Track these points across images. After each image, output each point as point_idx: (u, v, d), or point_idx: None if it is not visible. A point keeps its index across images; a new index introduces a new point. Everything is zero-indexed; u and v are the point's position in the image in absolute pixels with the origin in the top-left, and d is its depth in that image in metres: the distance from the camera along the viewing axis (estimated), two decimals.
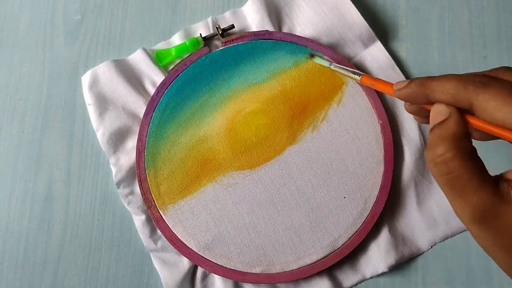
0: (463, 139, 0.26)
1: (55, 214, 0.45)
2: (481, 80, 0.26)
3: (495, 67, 0.30)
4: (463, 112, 0.27)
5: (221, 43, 0.46)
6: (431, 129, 0.27)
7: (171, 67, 0.46)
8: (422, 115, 0.34)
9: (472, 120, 0.27)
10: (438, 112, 0.27)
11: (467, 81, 0.26)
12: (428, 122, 0.33)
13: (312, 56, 0.45)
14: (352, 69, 0.42)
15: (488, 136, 0.32)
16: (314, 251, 0.41)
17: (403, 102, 0.32)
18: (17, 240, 0.44)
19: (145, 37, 0.49)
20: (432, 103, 0.29)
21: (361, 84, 0.40)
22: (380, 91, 0.38)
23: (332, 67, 0.44)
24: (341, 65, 0.44)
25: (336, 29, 0.47)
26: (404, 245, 0.43)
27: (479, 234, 0.26)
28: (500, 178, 0.26)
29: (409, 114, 0.45)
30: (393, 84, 0.33)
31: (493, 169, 0.27)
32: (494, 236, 0.25)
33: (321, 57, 0.45)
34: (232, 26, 0.46)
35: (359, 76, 0.40)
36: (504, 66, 0.29)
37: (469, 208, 0.25)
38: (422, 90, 0.29)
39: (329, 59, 0.45)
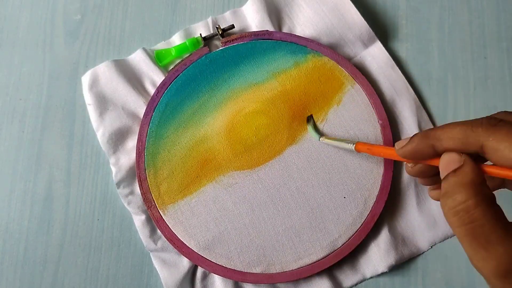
0: (483, 185, 0.25)
1: (55, 214, 0.45)
2: (489, 122, 0.26)
3: (494, 113, 0.29)
4: (476, 159, 0.26)
5: (221, 43, 0.46)
6: (445, 178, 0.26)
7: (171, 67, 0.46)
8: (428, 175, 0.32)
9: (487, 168, 0.26)
10: (450, 161, 0.27)
11: (475, 124, 0.26)
12: (434, 183, 0.32)
13: (308, 121, 0.44)
14: (343, 139, 0.41)
15: (495, 185, 0.32)
16: (314, 251, 0.41)
17: (406, 156, 0.30)
18: (17, 240, 0.44)
19: (145, 37, 0.49)
20: (439, 155, 0.28)
21: (356, 149, 0.39)
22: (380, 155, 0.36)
23: (321, 140, 0.42)
24: (331, 134, 0.43)
25: (336, 29, 0.47)
26: (404, 245, 0.43)
27: None
28: None
29: (409, 113, 0.45)
30: (391, 147, 0.32)
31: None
32: None
33: (314, 126, 0.44)
34: (232, 26, 0.46)
35: (353, 144, 0.39)
36: (504, 111, 0.29)
37: (493, 261, 0.23)
38: (427, 142, 0.28)
39: (321, 132, 0.44)
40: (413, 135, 0.29)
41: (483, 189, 0.25)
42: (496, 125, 0.25)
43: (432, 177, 0.32)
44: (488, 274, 0.24)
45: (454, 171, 0.26)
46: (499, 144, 0.25)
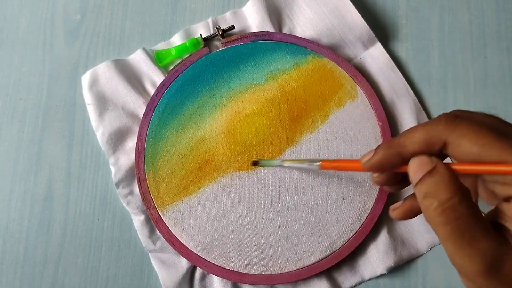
0: (461, 183, 0.25)
1: (55, 214, 0.45)
2: (448, 118, 0.26)
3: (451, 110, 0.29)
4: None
5: (221, 43, 0.46)
6: (420, 181, 0.26)
7: (171, 68, 0.46)
8: (394, 183, 0.32)
9: (455, 166, 0.26)
10: (420, 164, 0.26)
11: (435, 123, 0.26)
12: (401, 188, 0.32)
13: (255, 163, 0.43)
14: (306, 159, 0.40)
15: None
16: (313, 253, 0.41)
17: (374, 169, 0.29)
18: (17, 240, 0.44)
19: (145, 37, 0.49)
20: (406, 162, 0.27)
21: (321, 168, 0.37)
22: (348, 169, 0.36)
23: (284, 164, 0.42)
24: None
25: (337, 30, 0.47)
26: (403, 247, 0.43)
27: (487, 286, 0.24)
28: (493, 220, 0.26)
29: (409, 115, 0.45)
30: (356, 159, 0.31)
31: None
32: (503, 285, 0.23)
33: (266, 160, 0.43)
34: (233, 27, 0.46)
35: (318, 162, 0.37)
36: (457, 109, 0.28)
37: (478, 257, 0.23)
38: (392, 151, 0.28)
39: (278, 159, 0.43)
40: (377, 147, 0.29)
41: (462, 185, 0.25)
42: (455, 121, 0.26)
43: (398, 184, 0.32)
44: (473, 272, 0.24)
45: (429, 172, 0.26)
46: (461, 139, 0.25)
